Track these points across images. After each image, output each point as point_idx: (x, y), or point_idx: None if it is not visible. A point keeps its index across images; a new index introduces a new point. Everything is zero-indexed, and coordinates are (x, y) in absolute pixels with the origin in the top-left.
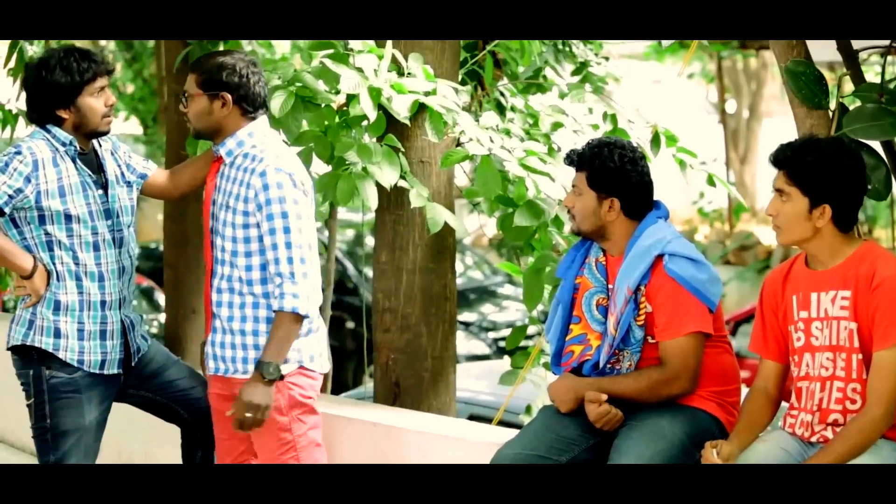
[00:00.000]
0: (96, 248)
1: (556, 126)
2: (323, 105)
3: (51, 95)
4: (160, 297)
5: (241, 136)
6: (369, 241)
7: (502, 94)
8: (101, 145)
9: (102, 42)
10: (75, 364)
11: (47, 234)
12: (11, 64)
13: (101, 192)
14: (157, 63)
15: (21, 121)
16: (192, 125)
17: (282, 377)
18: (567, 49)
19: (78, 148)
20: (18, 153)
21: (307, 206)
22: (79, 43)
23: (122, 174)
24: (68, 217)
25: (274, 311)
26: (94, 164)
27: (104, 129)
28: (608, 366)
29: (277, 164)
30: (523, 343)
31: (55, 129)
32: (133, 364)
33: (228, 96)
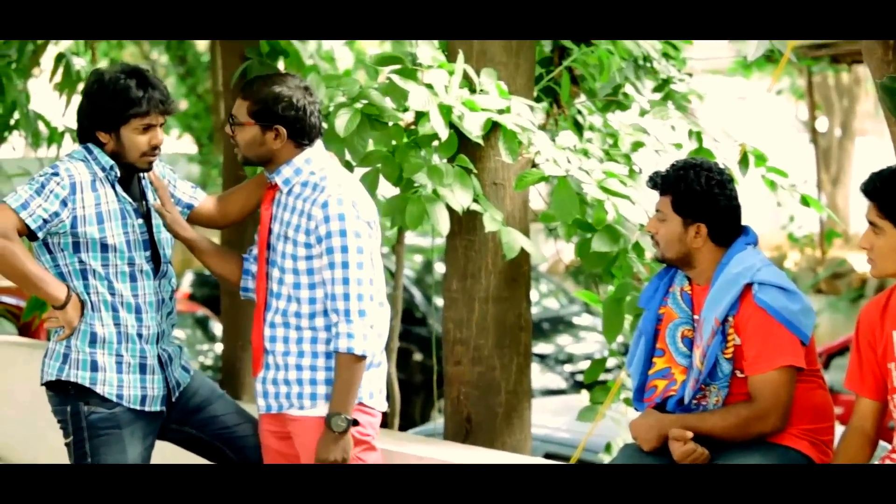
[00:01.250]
0: (133, 278)
1: (637, 146)
2: (390, 123)
3: (96, 115)
4: (216, 327)
5: (297, 163)
6: (439, 267)
7: (580, 111)
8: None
9: (154, 55)
10: (114, 399)
11: (81, 262)
12: (58, 78)
13: (141, 221)
14: (213, 78)
15: (68, 138)
16: (241, 153)
17: (355, 422)
18: (648, 65)
19: (118, 173)
20: (55, 174)
21: (370, 239)
22: (128, 52)
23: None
24: (104, 246)
25: (333, 353)
26: (136, 191)
27: (142, 166)
28: (694, 402)
29: (339, 193)
30: (602, 377)
31: (97, 151)
32: (174, 398)
33: (283, 130)
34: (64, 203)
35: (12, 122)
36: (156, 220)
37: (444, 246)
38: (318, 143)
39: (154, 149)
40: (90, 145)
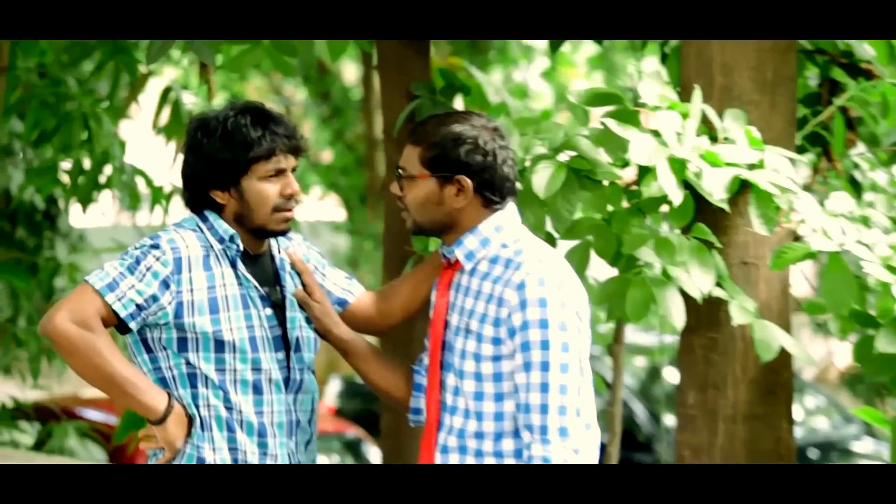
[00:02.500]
0: (257, 389)
1: None
2: (605, 182)
3: (206, 170)
4: (372, 453)
5: (485, 231)
6: (670, 374)
7: (857, 165)
8: (280, 248)
9: (288, 90)
10: None
11: (189, 364)
12: (164, 119)
13: (270, 311)
14: (367, 121)
15: (178, 202)
16: (412, 216)
17: None
18: None
19: (240, 247)
20: (155, 246)
21: (578, 334)
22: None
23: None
24: (219, 343)
25: None
26: (267, 273)
27: (275, 228)
28: None
29: (541, 272)
30: None
31: (213, 218)
32: None
33: (468, 181)
34: (165, 284)
35: (102, 178)
36: (292, 313)
37: (678, 345)
38: (512, 207)
39: (289, 198)
40: (206, 212)
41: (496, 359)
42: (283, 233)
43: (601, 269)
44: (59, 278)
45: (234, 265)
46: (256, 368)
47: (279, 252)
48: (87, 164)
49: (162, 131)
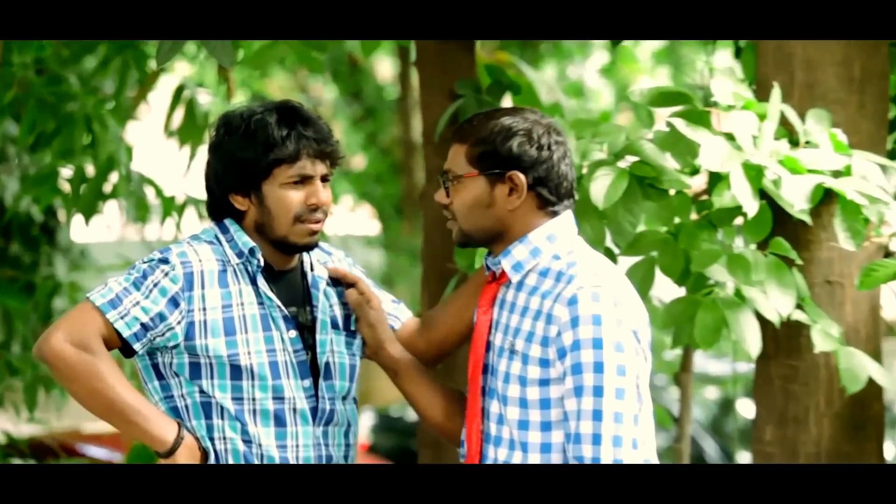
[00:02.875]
0: (280, 421)
1: None
2: (672, 191)
3: (226, 172)
4: None
5: (535, 240)
6: (744, 407)
7: None
8: (312, 264)
9: (315, 88)
10: None
11: (203, 392)
12: (177, 121)
13: (295, 333)
14: (404, 122)
15: (192, 214)
16: (459, 224)
17: None
18: None
19: (261, 262)
20: (165, 261)
21: (636, 357)
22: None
23: (346, 316)
24: (236, 369)
25: None
26: (295, 291)
27: (297, 241)
28: None
29: (596, 286)
30: None
31: (234, 229)
32: None
33: (521, 178)
34: (174, 302)
35: (107, 187)
36: (323, 336)
37: (752, 375)
38: (569, 215)
39: (314, 210)
40: (227, 222)
41: (544, 383)
42: (308, 247)
43: (667, 289)
44: (57, 299)
45: (254, 281)
46: (278, 397)
47: (312, 269)
48: (90, 171)
49: (174, 134)
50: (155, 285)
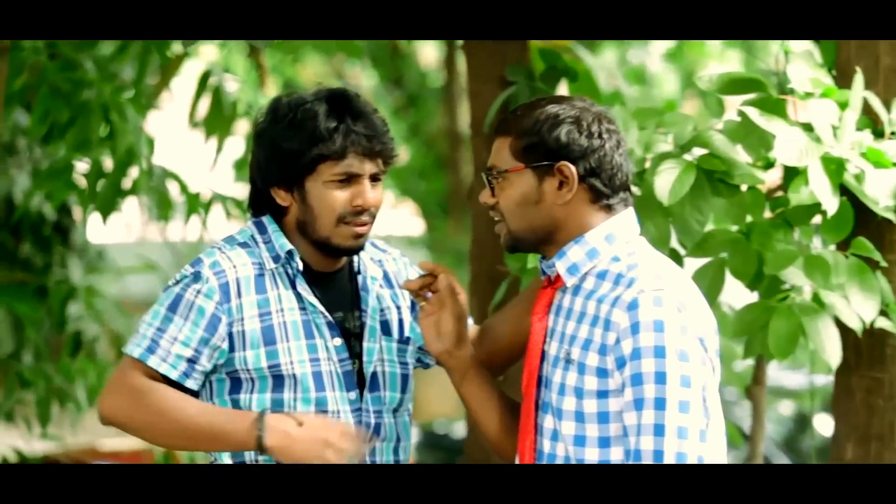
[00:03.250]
0: None
1: None
2: (744, 187)
3: (268, 161)
4: None
5: (592, 241)
6: (822, 423)
7: None
8: (360, 267)
9: (353, 74)
10: None
11: (237, 405)
12: (202, 111)
13: (341, 341)
14: (449, 112)
15: (218, 211)
16: (507, 224)
17: None
18: None
19: (300, 265)
20: (196, 277)
21: (703, 367)
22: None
23: (400, 322)
24: (278, 380)
25: None
26: (342, 296)
27: (340, 243)
28: None
29: (657, 289)
30: None
31: (272, 229)
32: None
33: (571, 168)
34: (215, 320)
35: (126, 183)
36: (371, 344)
37: (832, 388)
38: (630, 213)
39: (360, 212)
40: (265, 220)
41: (601, 395)
42: (353, 251)
43: (738, 294)
44: (72, 304)
45: (293, 285)
46: (322, 411)
47: (361, 272)
48: (107, 165)
49: (199, 125)
50: (190, 309)
